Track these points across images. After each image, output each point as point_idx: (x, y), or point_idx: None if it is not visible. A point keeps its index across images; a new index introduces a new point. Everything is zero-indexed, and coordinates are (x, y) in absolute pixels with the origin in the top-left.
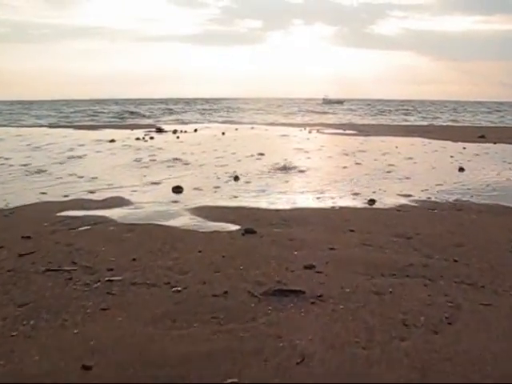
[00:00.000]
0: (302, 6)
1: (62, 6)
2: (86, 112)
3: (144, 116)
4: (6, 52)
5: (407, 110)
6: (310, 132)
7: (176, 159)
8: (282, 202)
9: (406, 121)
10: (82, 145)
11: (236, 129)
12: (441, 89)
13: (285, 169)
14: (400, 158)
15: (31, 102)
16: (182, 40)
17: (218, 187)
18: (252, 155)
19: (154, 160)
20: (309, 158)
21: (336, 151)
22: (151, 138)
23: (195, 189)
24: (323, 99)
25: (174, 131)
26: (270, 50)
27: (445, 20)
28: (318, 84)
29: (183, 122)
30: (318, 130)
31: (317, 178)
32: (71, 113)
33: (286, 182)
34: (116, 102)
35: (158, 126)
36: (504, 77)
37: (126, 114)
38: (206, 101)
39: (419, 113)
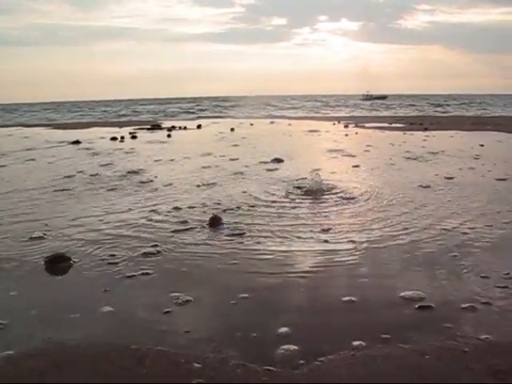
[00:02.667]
0: (326, 2)
1: (90, 8)
2: (107, 112)
3: (166, 115)
4: (37, 54)
5: (448, 102)
6: (345, 126)
7: (133, 173)
8: (310, 318)
9: (459, 112)
10: (30, 149)
11: (251, 124)
12: (473, 82)
13: (316, 192)
14: (508, 166)
15: (60, 104)
16: (208, 39)
17: (155, 254)
18: (264, 162)
19: (98, 175)
20: (355, 166)
21: (394, 154)
22: (133, 137)
23: (102, 260)
24: (363, 95)
25: (170, 128)
26: (296, 47)
27: (473, 12)
28: (348, 80)
29: (198, 118)
30: (356, 124)
31: (384, 216)
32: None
33: (323, 230)
34: (145, 101)
35: (159, 122)
36: None
37: (144, 113)
38: (233, 98)
39: (469, 104)
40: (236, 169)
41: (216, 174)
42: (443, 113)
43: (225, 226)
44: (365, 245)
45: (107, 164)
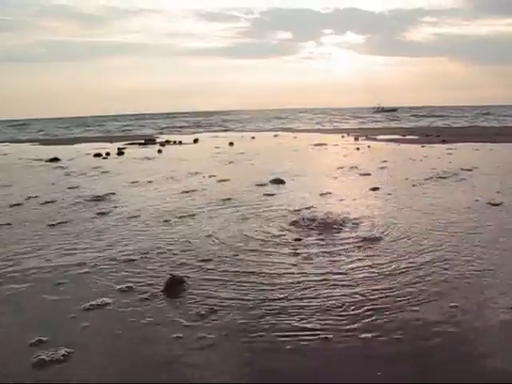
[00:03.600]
0: (331, 16)
1: (96, 24)
2: (114, 126)
3: (173, 127)
4: (45, 71)
5: (455, 113)
6: (356, 139)
7: (98, 199)
8: None
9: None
10: None
11: (252, 137)
12: (479, 94)
13: (325, 229)
14: None
15: (66, 119)
16: (215, 53)
17: (48, 364)
18: (260, 184)
19: (53, 203)
20: (373, 189)
21: (417, 171)
22: (120, 153)
23: None
24: (374, 107)
25: (163, 143)
26: (302, 60)
27: (478, 24)
28: (355, 93)
29: (200, 132)
30: (367, 137)
31: (425, 276)
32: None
33: (337, 308)
34: (153, 116)
35: (155, 136)
36: None
37: (149, 127)
38: (240, 112)
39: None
40: (224, 194)
41: (197, 201)
42: (456, 124)
43: (188, 294)
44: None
45: (73, 187)
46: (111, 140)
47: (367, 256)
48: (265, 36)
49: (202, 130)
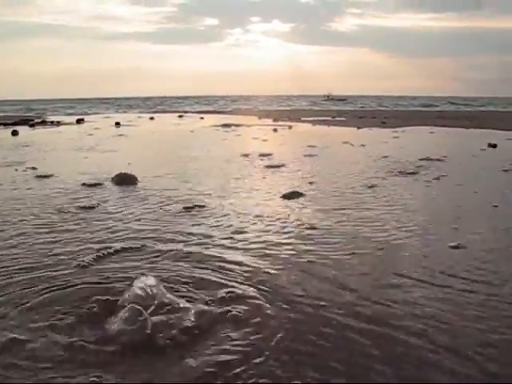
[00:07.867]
0: (259, 4)
1: (18, 2)
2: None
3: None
4: None
5: (384, 102)
6: (275, 120)
7: None
8: None
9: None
10: None
11: (151, 118)
12: (398, 84)
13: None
14: None
15: None
16: (140, 38)
17: None
18: (91, 185)
19: None
20: (286, 197)
21: (360, 161)
22: None
23: None
24: (324, 96)
25: (34, 124)
26: (229, 48)
27: (398, 17)
28: (283, 81)
29: (97, 113)
30: (289, 118)
31: None
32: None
33: None
34: (70, 101)
35: (43, 117)
36: (456, 72)
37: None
38: (164, 98)
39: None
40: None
41: None
42: (387, 108)
43: None
44: None
45: None
46: None
47: None
48: (191, 21)
49: (104, 111)
